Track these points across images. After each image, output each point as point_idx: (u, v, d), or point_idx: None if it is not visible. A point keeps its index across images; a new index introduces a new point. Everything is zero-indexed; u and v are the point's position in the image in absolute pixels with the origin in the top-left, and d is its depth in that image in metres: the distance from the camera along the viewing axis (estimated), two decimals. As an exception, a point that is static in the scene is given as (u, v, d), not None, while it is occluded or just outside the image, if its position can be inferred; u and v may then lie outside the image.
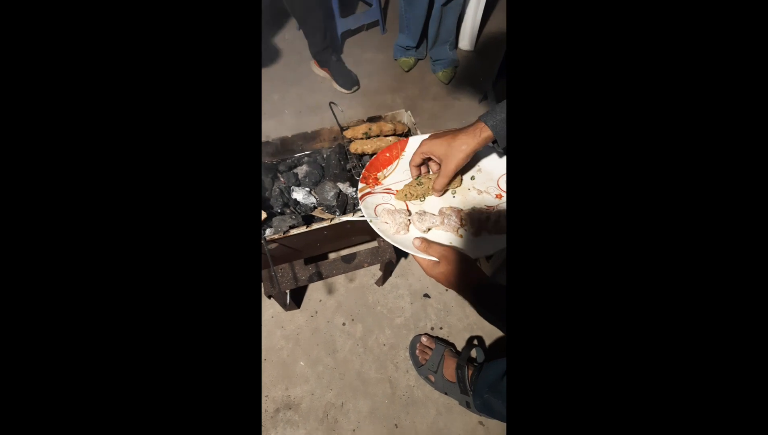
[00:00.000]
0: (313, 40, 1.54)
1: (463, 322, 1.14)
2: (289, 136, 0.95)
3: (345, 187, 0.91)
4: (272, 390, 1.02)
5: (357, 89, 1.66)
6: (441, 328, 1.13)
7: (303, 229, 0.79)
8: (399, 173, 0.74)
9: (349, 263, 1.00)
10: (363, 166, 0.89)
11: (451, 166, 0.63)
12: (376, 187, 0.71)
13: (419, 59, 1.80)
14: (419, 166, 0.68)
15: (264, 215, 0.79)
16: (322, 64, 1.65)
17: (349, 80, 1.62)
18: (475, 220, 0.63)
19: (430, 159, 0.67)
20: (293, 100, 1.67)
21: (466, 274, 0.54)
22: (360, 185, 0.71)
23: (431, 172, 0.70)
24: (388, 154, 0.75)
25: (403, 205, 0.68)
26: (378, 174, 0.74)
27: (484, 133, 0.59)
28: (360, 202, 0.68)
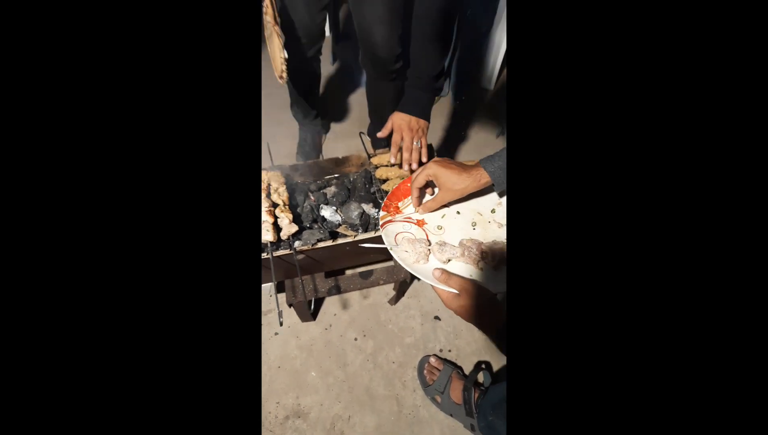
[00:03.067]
0: (375, 124, 1.45)
1: (472, 346, 1.17)
2: (323, 160, 1.05)
3: (368, 208, 0.99)
4: (284, 397, 1.07)
5: None
6: (450, 351, 1.16)
7: (329, 242, 0.87)
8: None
9: (366, 279, 1.06)
10: (386, 193, 0.98)
11: (446, 197, 0.69)
12: (396, 215, 0.75)
13: (442, 96, 1.93)
14: (422, 188, 0.72)
15: (295, 228, 0.87)
16: (370, 135, 1.57)
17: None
18: (496, 254, 0.64)
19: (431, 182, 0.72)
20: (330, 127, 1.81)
21: (487, 311, 0.54)
22: (381, 213, 0.74)
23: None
24: (409, 185, 0.78)
25: (423, 234, 0.71)
26: (399, 203, 0.77)
27: (484, 178, 0.66)
28: (381, 229, 0.71)
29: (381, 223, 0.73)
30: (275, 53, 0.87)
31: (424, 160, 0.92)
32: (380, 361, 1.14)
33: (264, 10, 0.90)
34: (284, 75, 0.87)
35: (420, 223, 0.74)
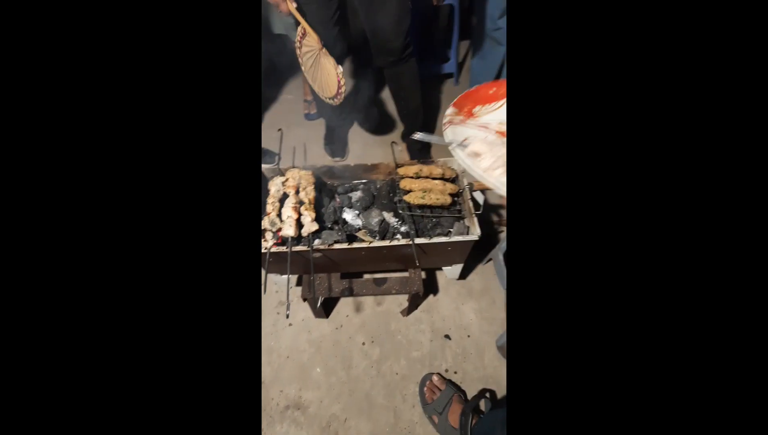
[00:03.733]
0: (405, 122, 1.50)
1: (479, 371, 1.13)
2: (352, 164, 1.09)
3: (389, 217, 1.01)
4: (287, 387, 1.11)
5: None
6: (455, 373, 1.13)
7: (345, 245, 0.90)
8: (500, 114, 0.65)
9: (379, 286, 1.08)
10: (408, 205, 0.99)
11: None
12: (469, 119, 0.64)
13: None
14: None
15: (316, 227, 0.92)
16: (404, 139, 1.63)
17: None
18: None
19: None
20: (362, 132, 1.87)
21: None
22: (450, 110, 0.63)
23: None
24: (492, 91, 0.66)
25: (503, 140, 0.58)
26: (475, 108, 0.66)
27: None
28: (444, 127, 0.60)
29: (446, 120, 0.62)
30: (330, 75, 0.94)
31: None
32: (384, 370, 1.14)
33: (298, 43, 0.99)
34: (342, 92, 0.93)
35: (502, 134, 0.60)
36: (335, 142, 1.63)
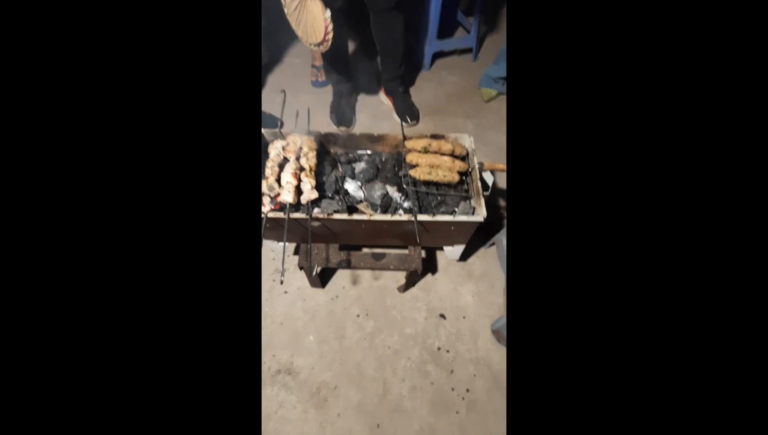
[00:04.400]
0: (388, 67, 1.55)
1: (472, 353, 1.13)
2: (357, 134, 1.05)
3: (392, 191, 0.98)
4: (280, 352, 1.12)
5: (416, 124, 1.67)
6: (447, 351, 1.14)
7: (345, 216, 0.88)
8: None
9: (377, 261, 1.06)
10: (413, 180, 0.95)
11: None
12: None
13: (502, 94, 1.82)
14: None
15: (316, 195, 0.89)
16: (387, 93, 1.68)
17: (410, 113, 1.63)
18: None
19: None
20: (372, 103, 1.80)
21: None
22: None
23: None
24: None
25: None
26: None
27: None
28: None
29: None
30: (316, 19, 0.87)
31: None
32: (377, 343, 1.14)
33: None
34: (329, 38, 0.87)
35: None
36: (342, 111, 1.58)
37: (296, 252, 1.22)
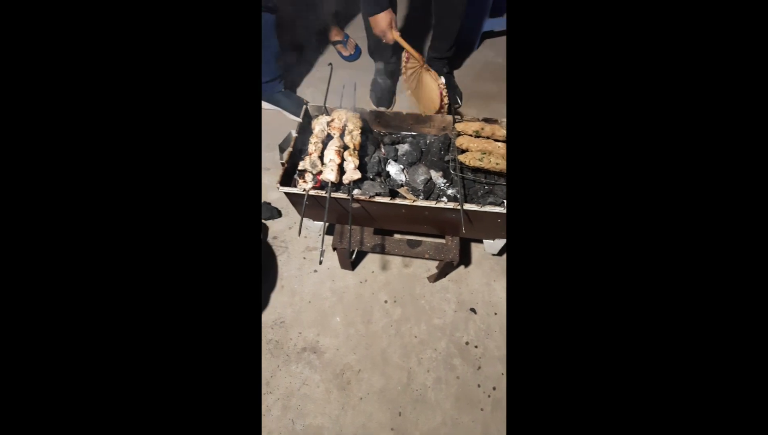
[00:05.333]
0: (438, 46, 1.43)
1: (501, 350, 1.09)
2: (403, 113, 0.99)
3: (436, 177, 0.92)
4: (306, 330, 1.12)
5: (459, 106, 1.56)
6: (476, 347, 1.10)
7: (386, 199, 0.83)
8: None
9: (412, 248, 1.02)
10: (461, 166, 0.90)
11: None
12: None
13: None
14: None
15: (358, 175, 0.85)
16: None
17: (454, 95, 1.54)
18: None
19: None
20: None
21: None
22: None
23: None
24: None
25: None
26: None
27: None
28: None
29: None
30: (432, 90, 0.99)
31: None
32: (403, 331, 1.12)
33: (404, 68, 1.06)
34: (445, 103, 0.90)
35: None
36: (382, 90, 1.51)
37: (330, 232, 1.20)
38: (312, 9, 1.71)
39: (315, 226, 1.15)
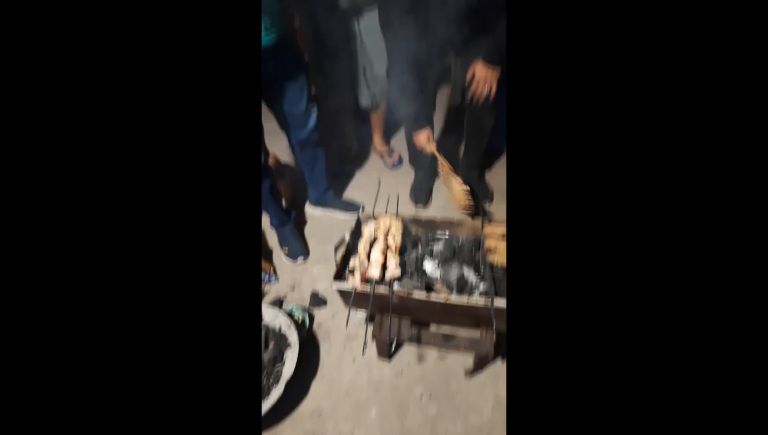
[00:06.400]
0: (469, 152, 1.68)
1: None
2: (438, 219, 1.16)
3: (468, 273, 1.04)
4: (342, 423, 1.13)
5: (490, 205, 1.75)
6: (517, 455, 1.05)
7: (423, 294, 0.95)
8: None
9: (447, 342, 1.08)
10: (491, 265, 1.01)
11: None
12: None
13: None
14: None
15: (399, 273, 0.98)
16: None
17: (484, 195, 1.74)
18: None
19: None
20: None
21: None
22: None
23: None
24: None
25: None
26: None
27: None
28: None
29: None
30: (458, 191, 1.24)
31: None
32: (438, 430, 1.10)
33: (440, 170, 1.33)
34: (471, 205, 1.14)
35: None
36: (421, 190, 1.74)
37: (371, 320, 1.29)
38: (359, 139, 2.09)
39: (357, 316, 1.26)
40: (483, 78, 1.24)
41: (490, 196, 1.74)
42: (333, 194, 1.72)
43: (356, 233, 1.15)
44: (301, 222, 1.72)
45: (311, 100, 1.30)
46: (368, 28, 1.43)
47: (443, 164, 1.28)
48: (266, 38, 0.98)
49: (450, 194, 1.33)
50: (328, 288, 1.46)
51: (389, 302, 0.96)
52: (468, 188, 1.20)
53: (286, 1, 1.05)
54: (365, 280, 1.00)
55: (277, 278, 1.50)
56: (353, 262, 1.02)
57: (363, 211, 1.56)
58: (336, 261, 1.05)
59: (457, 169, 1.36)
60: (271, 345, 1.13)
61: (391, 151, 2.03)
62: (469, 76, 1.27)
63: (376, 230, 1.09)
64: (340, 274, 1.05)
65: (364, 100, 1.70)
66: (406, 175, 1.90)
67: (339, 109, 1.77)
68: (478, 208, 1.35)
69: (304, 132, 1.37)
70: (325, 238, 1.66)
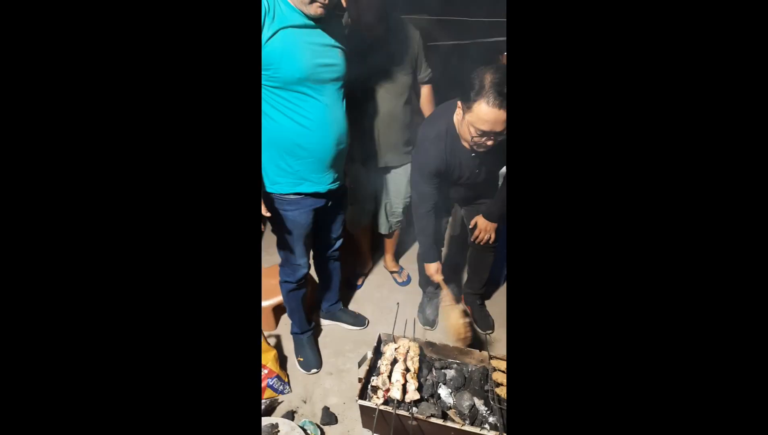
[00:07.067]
0: (471, 284, 1.92)
1: None
2: (450, 345, 1.32)
3: (479, 404, 1.14)
4: None
5: (491, 332, 1.87)
6: None
7: (440, 421, 1.04)
8: None
9: (459, 475, 1.11)
10: (500, 399, 1.12)
11: None
12: None
13: None
14: None
15: (417, 396, 1.09)
16: (467, 302, 1.98)
17: (485, 324, 1.88)
18: None
19: None
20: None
21: None
22: None
23: None
24: None
25: None
26: None
27: None
28: None
29: None
30: (454, 322, 1.38)
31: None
32: None
33: (442, 298, 1.55)
34: (468, 337, 1.34)
35: None
36: (428, 312, 1.91)
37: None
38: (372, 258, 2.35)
39: (369, 438, 1.28)
40: (484, 228, 1.57)
41: (491, 325, 1.90)
42: (341, 306, 1.88)
43: (377, 351, 1.29)
44: (316, 332, 1.84)
45: (344, 229, 1.61)
46: (395, 180, 1.84)
47: (447, 295, 1.47)
48: (332, 185, 1.31)
49: (447, 324, 1.48)
50: (340, 404, 1.49)
51: (407, 424, 1.04)
52: (469, 320, 1.37)
53: (346, 165, 1.44)
54: (386, 400, 1.10)
55: (290, 389, 1.54)
56: (376, 380, 1.14)
57: (367, 325, 1.73)
58: (360, 377, 1.17)
59: (459, 298, 1.55)
60: (285, 463, 1.14)
61: (401, 270, 2.27)
62: (471, 224, 1.61)
63: (396, 350, 1.23)
64: (363, 391, 1.15)
65: (383, 229, 2.03)
66: (414, 293, 2.10)
67: (361, 233, 2.08)
68: (477, 339, 1.48)
69: (330, 251, 1.63)
70: (337, 350, 1.75)
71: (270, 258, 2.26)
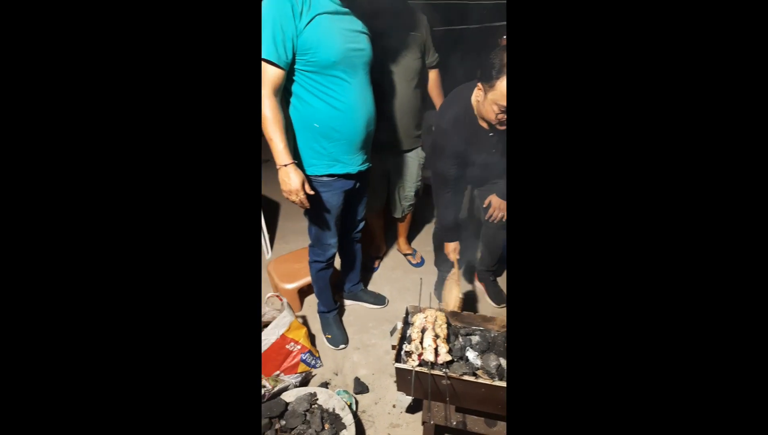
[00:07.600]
0: (484, 261, 2.00)
1: None
2: (474, 314, 1.41)
3: (505, 363, 1.23)
4: None
5: (505, 306, 2.01)
6: None
7: (472, 378, 1.13)
8: None
9: (490, 428, 1.20)
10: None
11: None
12: None
13: None
14: None
15: (449, 358, 1.18)
16: (480, 279, 2.08)
17: (499, 298, 1.98)
18: None
19: None
20: (466, 285, 2.21)
21: None
22: None
23: None
24: None
25: None
26: None
27: None
28: None
29: None
30: (455, 298, 1.52)
31: None
32: None
33: (451, 273, 1.65)
34: (460, 307, 1.45)
35: None
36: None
37: (411, 410, 1.39)
38: (386, 241, 2.44)
39: (401, 403, 1.37)
40: (498, 206, 1.65)
41: (504, 299, 2.00)
42: (363, 287, 1.97)
43: (406, 323, 1.37)
44: (340, 311, 1.92)
45: (363, 217, 1.68)
46: (407, 164, 1.91)
47: (455, 272, 1.59)
48: (362, 166, 1.38)
49: (445, 294, 1.62)
50: (369, 375, 1.58)
51: (440, 384, 1.13)
52: (462, 297, 1.54)
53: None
54: (420, 362, 1.19)
55: (321, 363, 1.63)
56: (408, 346, 1.22)
57: (387, 304, 1.88)
58: (393, 344, 1.25)
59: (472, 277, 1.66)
60: (327, 426, 1.23)
61: (414, 252, 2.36)
62: (486, 202, 1.69)
63: (425, 319, 1.32)
64: (398, 356, 1.24)
65: (397, 213, 2.10)
66: (429, 274, 2.18)
67: (375, 217, 2.15)
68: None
69: (354, 232, 1.70)
70: (361, 327, 1.84)
71: (287, 246, 2.33)
